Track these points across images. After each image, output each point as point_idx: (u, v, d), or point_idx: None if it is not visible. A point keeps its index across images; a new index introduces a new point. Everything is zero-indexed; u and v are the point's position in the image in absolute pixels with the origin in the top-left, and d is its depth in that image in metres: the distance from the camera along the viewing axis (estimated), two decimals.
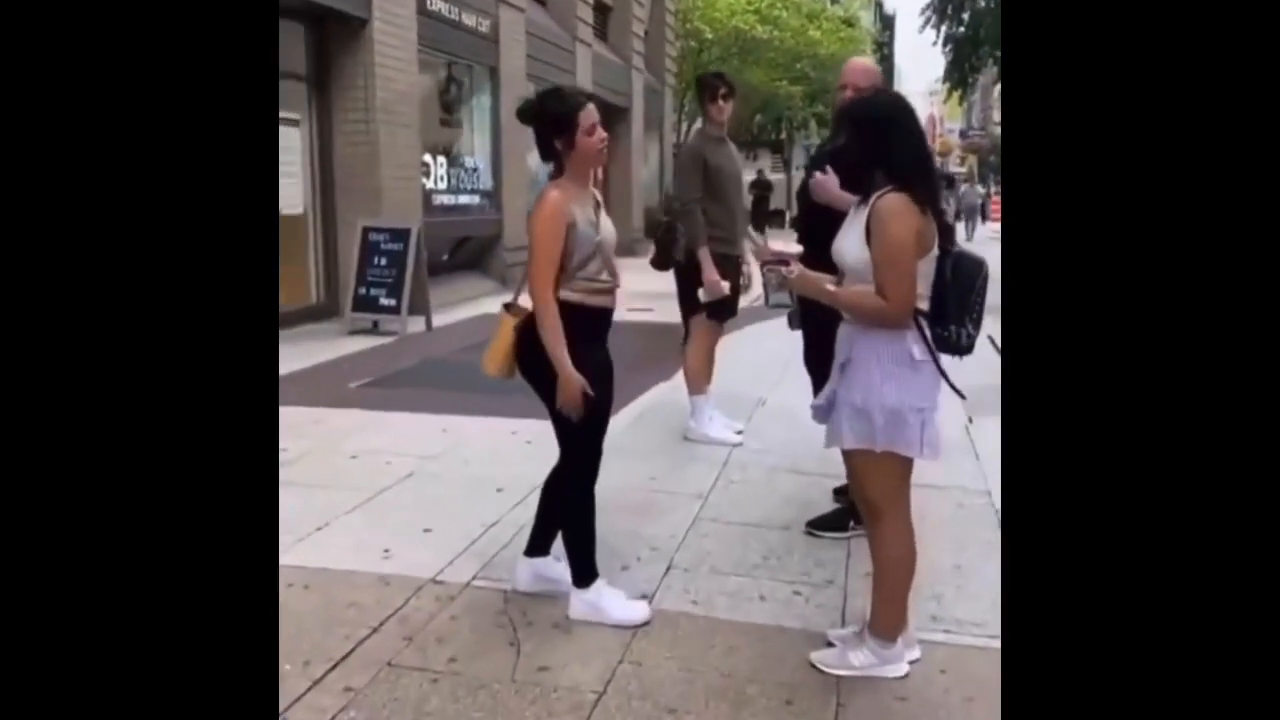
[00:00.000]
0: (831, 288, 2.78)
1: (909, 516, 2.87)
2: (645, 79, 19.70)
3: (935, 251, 2.67)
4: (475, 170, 12.69)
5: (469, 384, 6.79)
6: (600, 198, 3.34)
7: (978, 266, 2.70)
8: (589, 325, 3.12)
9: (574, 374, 3.01)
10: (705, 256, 5.13)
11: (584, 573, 3.28)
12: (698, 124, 5.57)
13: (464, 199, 12.28)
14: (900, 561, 2.85)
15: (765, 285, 2.92)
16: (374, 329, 8.91)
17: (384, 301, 8.86)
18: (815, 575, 3.62)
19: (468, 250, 12.43)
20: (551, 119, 3.09)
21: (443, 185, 11.81)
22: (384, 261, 8.90)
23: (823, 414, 2.93)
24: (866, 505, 2.93)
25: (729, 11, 23.41)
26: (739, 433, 5.49)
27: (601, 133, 3.13)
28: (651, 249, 6.26)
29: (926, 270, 2.66)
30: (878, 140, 2.70)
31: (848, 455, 2.89)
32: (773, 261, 2.87)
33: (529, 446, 5.03)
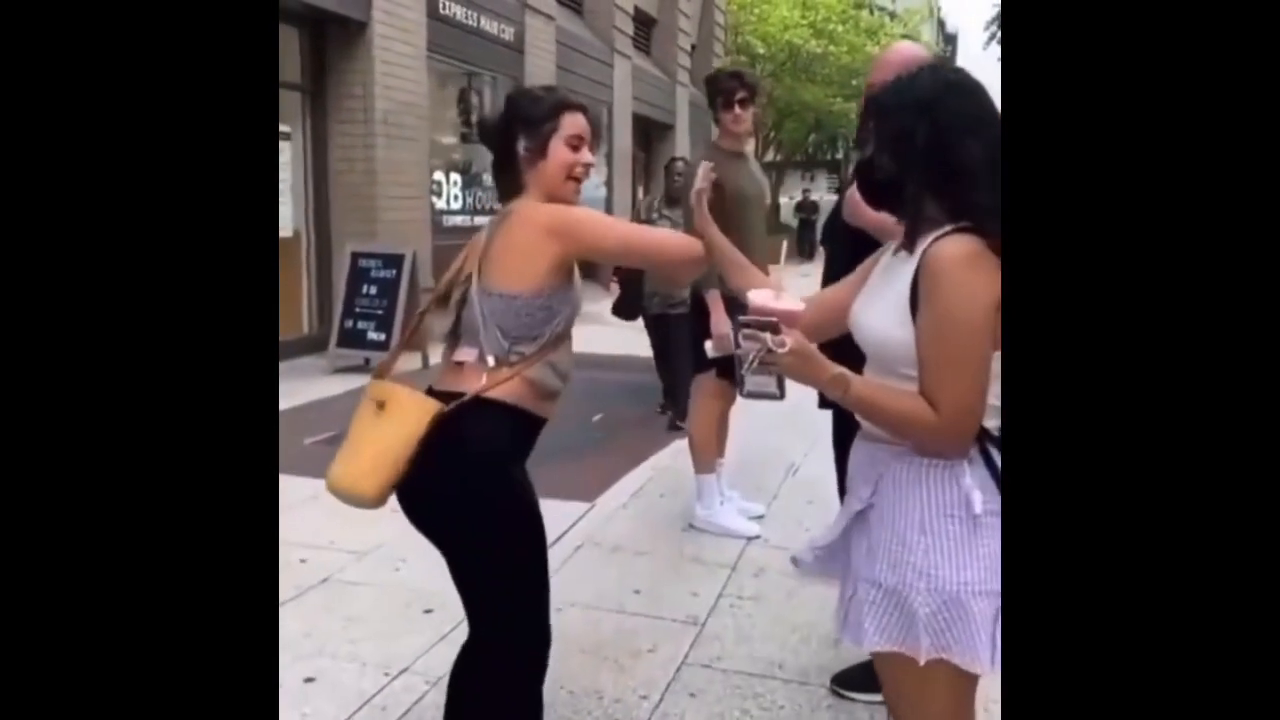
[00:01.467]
0: (850, 377, 1.62)
1: None
2: (691, 94, 18.67)
3: None
4: (493, 189, 11.72)
5: None
6: None
7: None
8: (524, 436, 2.08)
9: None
10: (715, 301, 4.03)
11: None
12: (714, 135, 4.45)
13: (481, 220, 11.28)
14: None
15: (739, 360, 1.60)
16: (365, 366, 7.92)
17: (372, 336, 7.85)
18: None
19: None
20: (523, 118, 2.09)
21: (456, 205, 10.87)
22: (374, 291, 7.91)
23: (815, 567, 1.85)
24: None
25: (782, 26, 22.32)
26: (758, 519, 4.38)
27: (587, 155, 2.11)
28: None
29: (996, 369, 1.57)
30: (914, 138, 1.60)
31: (876, 657, 1.78)
32: (755, 324, 1.57)
33: None
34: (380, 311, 7.86)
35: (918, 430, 1.59)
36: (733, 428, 4.51)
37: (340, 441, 2.07)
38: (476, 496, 1.98)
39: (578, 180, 2.12)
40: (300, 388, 7.19)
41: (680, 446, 4.44)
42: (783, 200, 28.03)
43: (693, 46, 19.09)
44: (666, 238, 2.17)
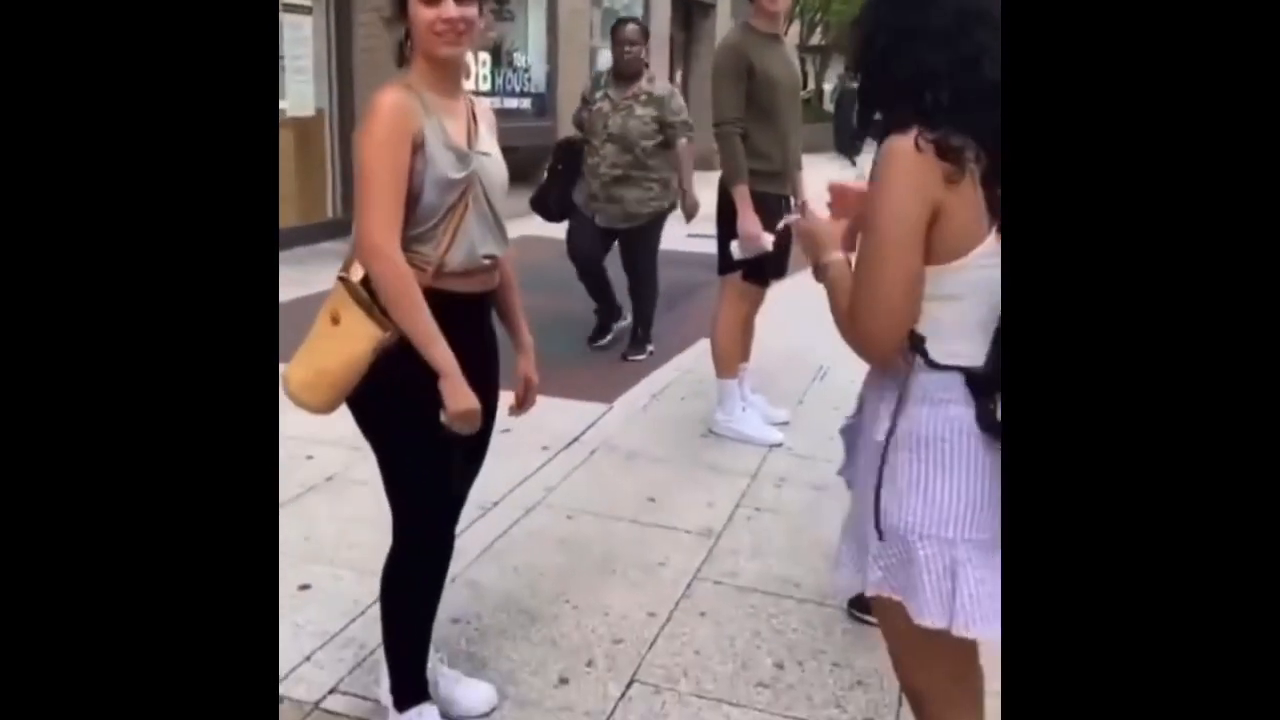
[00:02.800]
0: (831, 265, 1.60)
1: None
2: None
3: (988, 252, 1.42)
4: (526, 71, 11.32)
5: None
6: (480, 111, 2.07)
7: None
8: (445, 319, 1.92)
9: (458, 372, 1.90)
10: (743, 198, 3.79)
11: (405, 692, 2.17)
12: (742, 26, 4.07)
13: (510, 103, 10.93)
14: None
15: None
16: None
17: None
18: (851, 708, 2.38)
19: (514, 162, 11.10)
20: None
21: (485, 87, 10.47)
22: None
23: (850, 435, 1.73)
24: (901, 686, 1.73)
25: None
26: (782, 425, 4.21)
27: (450, 8, 1.85)
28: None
29: (966, 284, 1.45)
30: (864, 46, 1.53)
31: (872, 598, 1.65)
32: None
33: (505, 437, 3.82)
34: None
35: (842, 327, 1.53)
36: (759, 328, 4.31)
37: None
38: (381, 405, 1.96)
39: (443, 36, 1.85)
40: (320, 274, 7.02)
41: (707, 346, 4.27)
42: (826, 88, 27.08)
43: None
44: (373, 216, 1.85)
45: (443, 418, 1.89)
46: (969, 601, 1.45)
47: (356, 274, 1.91)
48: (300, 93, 8.14)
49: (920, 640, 1.53)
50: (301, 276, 6.63)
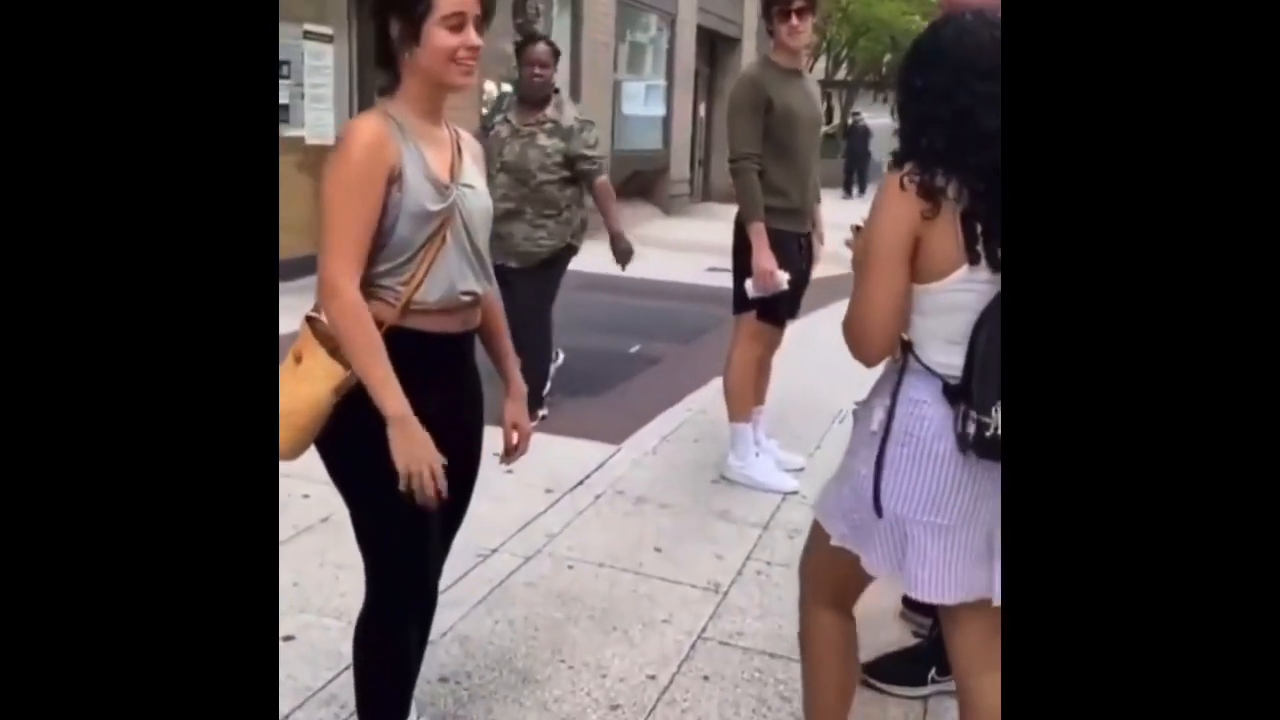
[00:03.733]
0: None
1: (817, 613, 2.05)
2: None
3: (961, 279, 1.68)
4: None
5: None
6: (464, 142, 1.96)
7: None
8: (417, 359, 1.80)
9: (412, 419, 1.75)
10: (759, 235, 3.66)
11: None
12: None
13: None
14: None
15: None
16: None
17: None
18: None
19: None
20: None
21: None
22: None
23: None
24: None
25: None
26: (796, 472, 4.05)
27: (473, 36, 1.77)
28: None
29: (942, 304, 1.71)
30: (900, 96, 1.78)
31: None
32: None
33: (507, 479, 3.69)
34: None
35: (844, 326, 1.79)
36: (775, 370, 4.16)
37: None
38: (347, 447, 1.85)
39: (462, 65, 1.77)
40: None
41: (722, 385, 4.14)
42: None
43: None
44: (335, 255, 1.73)
45: (400, 484, 1.75)
46: (917, 570, 1.77)
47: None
48: (320, 120, 8.10)
49: (828, 555, 1.91)
50: (295, 305, 6.56)
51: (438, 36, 1.74)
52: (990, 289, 1.64)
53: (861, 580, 1.94)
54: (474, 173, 1.92)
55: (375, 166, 1.71)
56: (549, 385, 4.73)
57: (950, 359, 1.69)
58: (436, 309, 1.82)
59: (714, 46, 17.58)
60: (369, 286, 1.77)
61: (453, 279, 1.83)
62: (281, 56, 7.62)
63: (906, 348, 1.74)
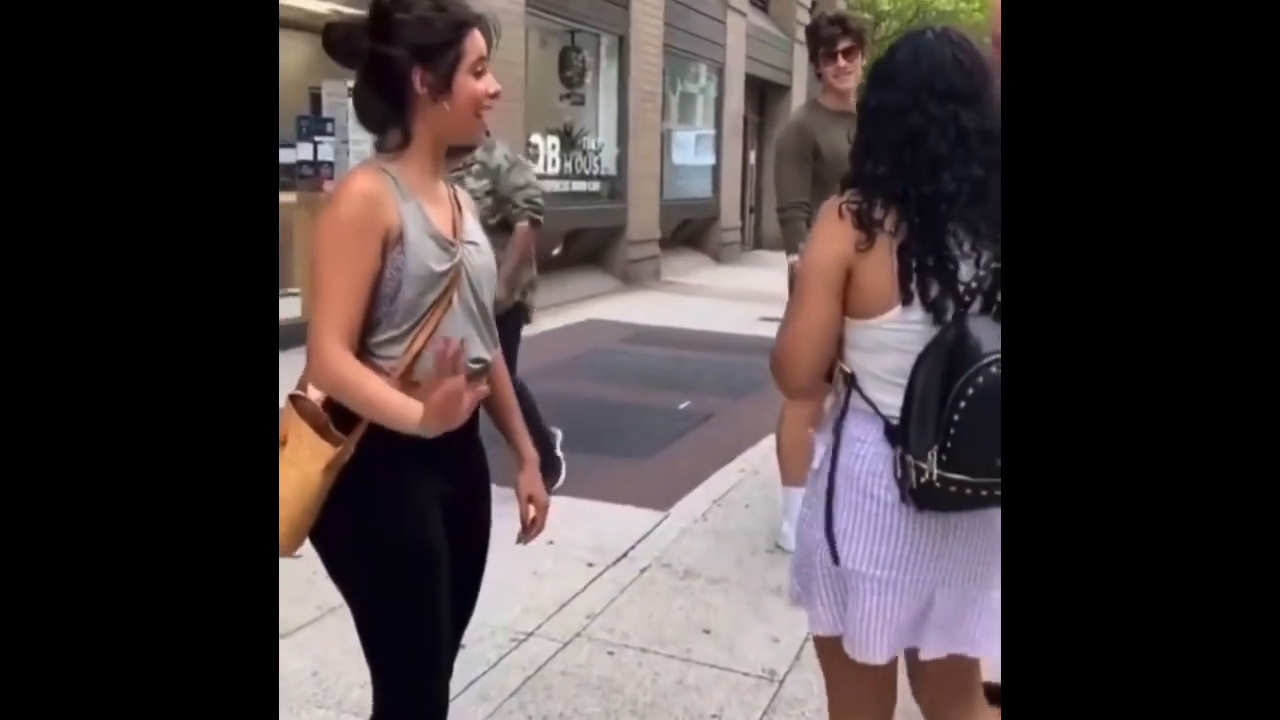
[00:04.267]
0: None
1: None
2: None
3: (895, 318, 1.57)
4: (596, 153, 11.22)
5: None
6: (462, 198, 1.78)
7: (969, 360, 1.49)
8: (406, 448, 1.58)
9: (405, 401, 1.55)
10: None
11: None
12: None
13: (580, 185, 10.83)
14: None
15: None
16: None
17: None
18: None
19: (583, 244, 10.99)
20: (417, 46, 1.58)
21: (554, 170, 10.39)
22: None
23: None
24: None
25: None
26: None
27: (493, 82, 1.64)
28: None
29: (876, 341, 1.60)
30: (859, 113, 1.70)
31: None
32: None
33: (546, 550, 3.46)
34: None
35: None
36: None
37: None
38: (341, 535, 1.66)
39: (481, 120, 1.66)
40: None
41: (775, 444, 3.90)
42: None
43: (813, 2, 18.13)
44: (326, 328, 1.54)
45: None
46: (855, 626, 1.64)
47: (314, 393, 1.60)
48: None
49: (843, 670, 1.75)
50: None
51: (468, 85, 1.59)
52: (925, 330, 1.53)
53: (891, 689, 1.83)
54: (475, 229, 1.74)
55: (370, 226, 1.53)
56: (558, 443, 4.38)
57: (891, 398, 1.58)
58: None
59: (763, 94, 17.51)
60: (364, 356, 1.58)
61: (460, 344, 1.64)
62: (325, 113, 7.62)
63: (849, 381, 1.63)
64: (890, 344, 1.57)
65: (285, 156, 7.04)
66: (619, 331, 6.13)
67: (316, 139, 7.44)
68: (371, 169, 1.60)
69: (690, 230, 14.43)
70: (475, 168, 3.94)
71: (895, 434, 1.56)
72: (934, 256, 1.52)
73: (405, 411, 1.52)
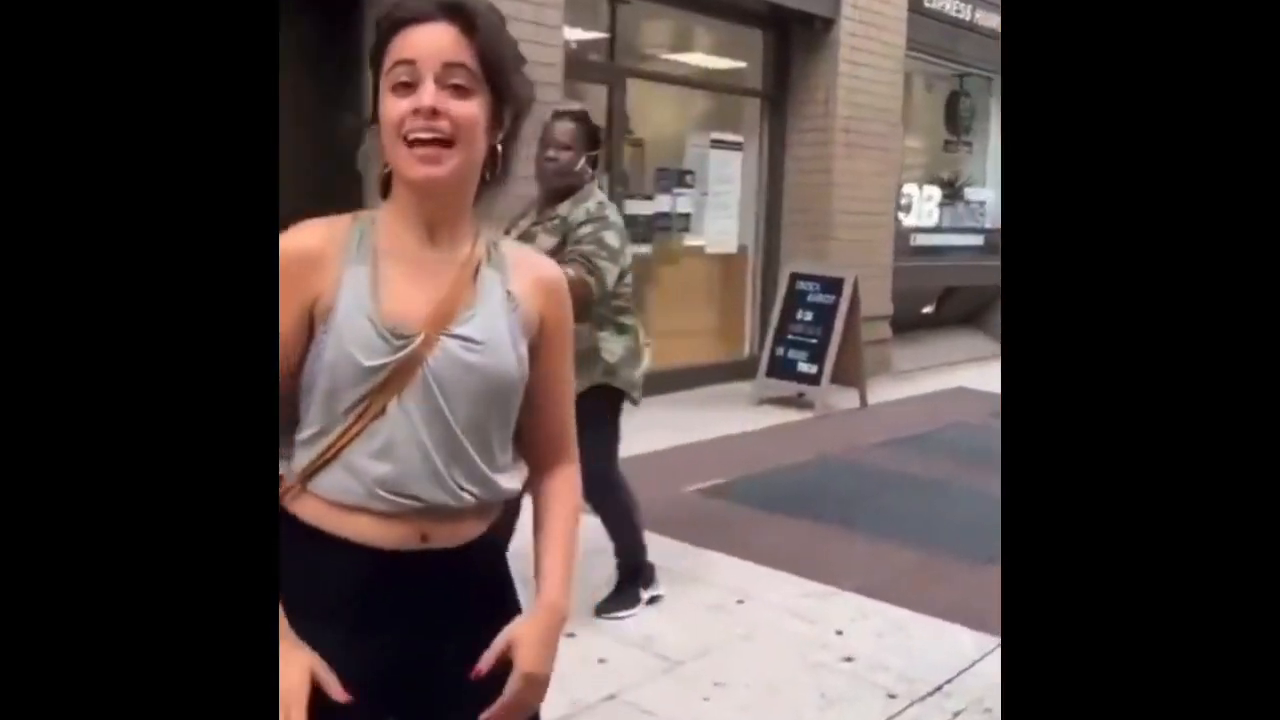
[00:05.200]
0: None
1: None
2: None
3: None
4: (980, 205, 10.34)
5: (850, 508, 4.81)
6: (521, 270, 1.34)
7: None
8: (330, 578, 1.25)
9: (296, 644, 1.21)
10: None
11: None
12: None
13: (956, 240, 10.00)
14: None
15: None
16: (798, 400, 7.12)
17: (803, 367, 7.01)
18: None
19: (957, 302, 10.14)
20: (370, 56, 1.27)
21: (929, 222, 9.68)
22: (809, 317, 7.06)
23: None
24: None
25: None
26: None
27: (423, 97, 1.19)
28: None
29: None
30: None
31: None
32: None
33: (839, 672, 2.93)
34: (814, 340, 7.01)
35: None
36: None
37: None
38: None
39: (412, 145, 1.18)
40: (716, 419, 6.58)
41: None
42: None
43: None
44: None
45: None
46: None
47: None
48: (722, 230, 7.93)
49: None
50: (677, 420, 6.26)
51: (386, 106, 1.20)
52: None
53: None
54: (491, 323, 1.27)
55: (287, 292, 1.15)
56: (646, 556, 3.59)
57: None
58: (349, 505, 1.22)
59: None
60: (295, 452, 1.26)
61: (389, 470, 1.22)
62: (687, 164, 7.57)
63: None
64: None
65: (644, 209, 7.04)
66: (990, 404, 5.35)
67: (676, 191, 7.40)
68: (341, 217, 1.26)
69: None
70: (554, 222, 3.24)
71: None
72: None
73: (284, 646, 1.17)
